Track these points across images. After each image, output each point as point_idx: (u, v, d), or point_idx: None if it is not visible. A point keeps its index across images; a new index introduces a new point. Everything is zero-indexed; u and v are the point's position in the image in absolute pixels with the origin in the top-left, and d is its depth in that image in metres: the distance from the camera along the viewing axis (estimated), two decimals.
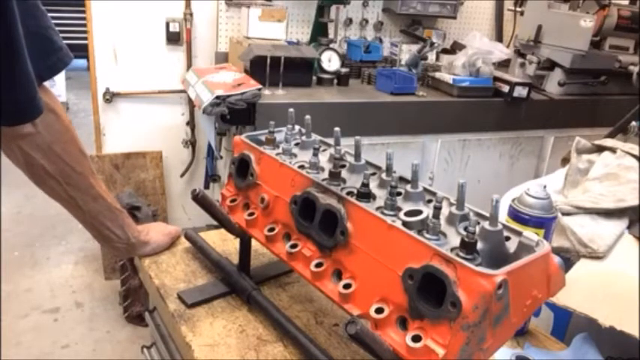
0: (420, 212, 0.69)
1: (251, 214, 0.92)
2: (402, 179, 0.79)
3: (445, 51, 3.19)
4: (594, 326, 0.96)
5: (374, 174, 0.83)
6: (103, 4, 2.73)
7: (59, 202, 0.96)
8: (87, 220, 0.98)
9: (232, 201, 0.97)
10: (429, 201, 0.76)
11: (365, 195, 0.75)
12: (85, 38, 2.81)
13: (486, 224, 0.65)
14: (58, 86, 4.05)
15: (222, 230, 1.05)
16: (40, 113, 0.82)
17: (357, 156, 0.84)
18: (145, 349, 1.20)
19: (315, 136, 0.95)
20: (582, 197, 1.24)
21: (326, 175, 0.82)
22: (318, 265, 0.78)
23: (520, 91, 2.64)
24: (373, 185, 0.78)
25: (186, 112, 3.06)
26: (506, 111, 2.70)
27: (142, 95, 2.95)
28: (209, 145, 2.73)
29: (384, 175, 0.79)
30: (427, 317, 0.62)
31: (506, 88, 2.64)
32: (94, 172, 0.97)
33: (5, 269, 2.90)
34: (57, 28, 0.85)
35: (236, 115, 2.16)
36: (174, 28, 2.86)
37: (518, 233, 0.68)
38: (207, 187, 2.91)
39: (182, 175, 3.15)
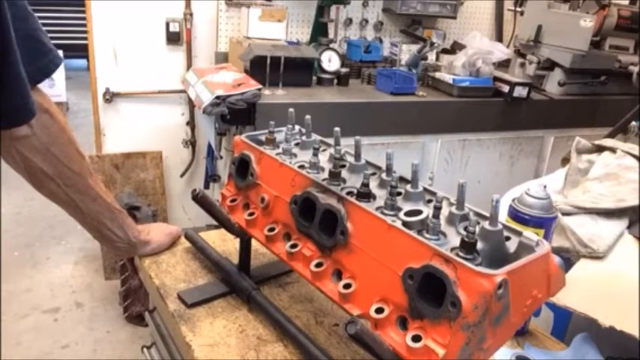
0: (420, 212, 0.69)
1: (251, 214, 0.92)
2: (402, 179, 0.79)
3: (445, 51, 3.18)
4: (594, 326, 0.96)
5: (374, 174, 0.83)
6: (103, 4, 2.72)
7: (59, 204, 0.96)
8: (87, 221, 0.99)
9: (232, 201, 0.97)
10: (429, 201, 0.76)
11: (365, 195, 0.75)
12: (85, 38, 2.81)
13: (486, 224, 0.65)
14: (58, 86, 4.03)
15: (222, 230, 1.05)
16: (33, 116, 0.82)
17: (357, 156, 0.84)
18: (145, 349, 1.20)
19: (315, 136, 0.95)
20: (582, 197, 1.24)
21: (326, 175, 0.82)
22: (318, 265, 0.78)
23: (520, 91, 2.64)
24: (373, 185, 0.78)
25: (186, 112, 3.06)
26: (507, 111, 2.70)
27: (142, 95, 2.94)
28: (209, 145, 2.73)
29: (384, 175, 0.79)
30: (427, 317, 0.62)
31: (506, 88, 2.64)
32: (92, 172, 0.98)
33: (5, 269, 2.90)
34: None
35: (236, 115, 2.16)
36: (174, 28, 2.86)
37: (518, 233, 0.68)
38: (207, 187, 2.91)
39: (182, 175, 3.15)
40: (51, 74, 0.86)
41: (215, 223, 1.01)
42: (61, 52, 0.90)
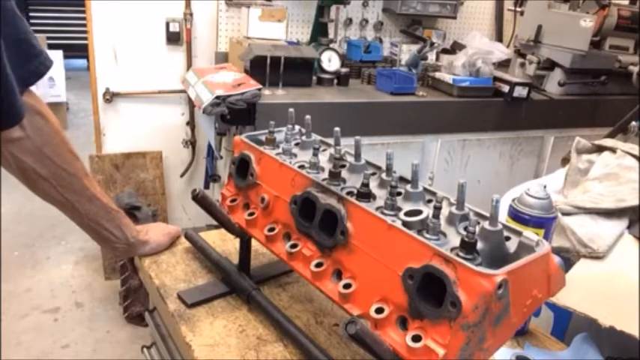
0: (420, 212, 0.69)
1: (251, 214, 0.92)
2: (402, 179, 0.79)
3: (445, 51, 3.18)
4: (594, 326, 0.96)
5: (374, 174, 0.83)
6: (103, 4, 2.73)
7: (55, 205, 0.96)
8: (84, 222, 0.98)
9: (232, 201, 0.97)
10: (429, 201, 0.76)
11: (365, 195, 0.75)
12: (85, 38, 2.81)
13: (486, 224, 0.65)
14: (57, 86, 4.04)
15: (222, 230, 1.05)
16: (21, 118, 0.82)
17: (357, 156, 0.84)
18: (145, 349, 1.20)
19: (315, 136, 0.95)
20: (582, 197, 1.24)
21: (326, 175, 0.82)
22: (318, 265, 0.78)
23: (520, 91, 2.64)
24: (373, 185, 0.78)
25: (186, 112, 3.06)
26: (507, 111, 2.70)
27: (142, 95, 2.95)
28: (209, 145, 2.73)
29: (384, 175, 0.79)
30: (427, 317, 0.62)
31: (506, 88, 2.64)
32: (88, 173, 0.98)
33: (5, 269, 2.91)
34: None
35: (236, 115, 2.16)
36: (174, 28, 2.86)
37: (518, 233, 0.67)
38: (207, 187, 2.91)
39: (182, 175, 3.15)
40: (42, 76, 0.86)
41: (215, 223, 1.01)
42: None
